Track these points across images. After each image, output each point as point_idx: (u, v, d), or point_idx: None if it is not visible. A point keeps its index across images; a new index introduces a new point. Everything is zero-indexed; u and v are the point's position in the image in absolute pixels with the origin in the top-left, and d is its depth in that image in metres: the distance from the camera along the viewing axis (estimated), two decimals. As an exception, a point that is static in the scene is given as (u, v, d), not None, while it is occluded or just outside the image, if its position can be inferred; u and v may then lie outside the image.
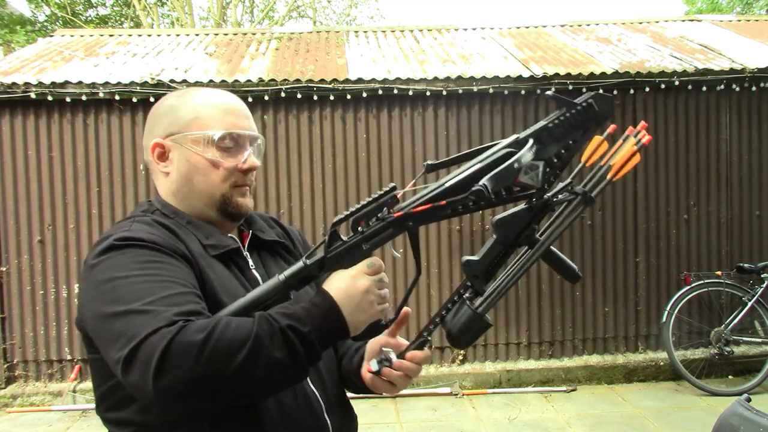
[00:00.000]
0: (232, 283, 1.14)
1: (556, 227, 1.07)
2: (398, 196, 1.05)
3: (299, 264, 1.07)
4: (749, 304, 4.78)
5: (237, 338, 0.91)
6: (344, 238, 1.06)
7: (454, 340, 1.05)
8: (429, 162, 1.12)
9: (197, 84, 4.87)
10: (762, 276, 4.83)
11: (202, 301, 1.02)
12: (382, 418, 4.43)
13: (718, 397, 4.63)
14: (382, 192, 1.05)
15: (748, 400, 1.45)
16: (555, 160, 1.03)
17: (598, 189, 1.06)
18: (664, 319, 4.80)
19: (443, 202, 1.03)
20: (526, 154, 1.00)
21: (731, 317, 4.85)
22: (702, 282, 4.90)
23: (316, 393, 1.17)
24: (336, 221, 1.05)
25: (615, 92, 5.14)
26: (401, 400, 4.68)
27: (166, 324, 0.90)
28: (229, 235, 1.23)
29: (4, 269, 4.94)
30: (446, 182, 1.03)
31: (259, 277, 1.21)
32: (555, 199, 1.06)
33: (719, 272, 5.03)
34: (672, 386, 4.95)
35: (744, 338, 4.95)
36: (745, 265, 4.87)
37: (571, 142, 1.03)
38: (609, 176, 1.06)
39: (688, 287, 4.86)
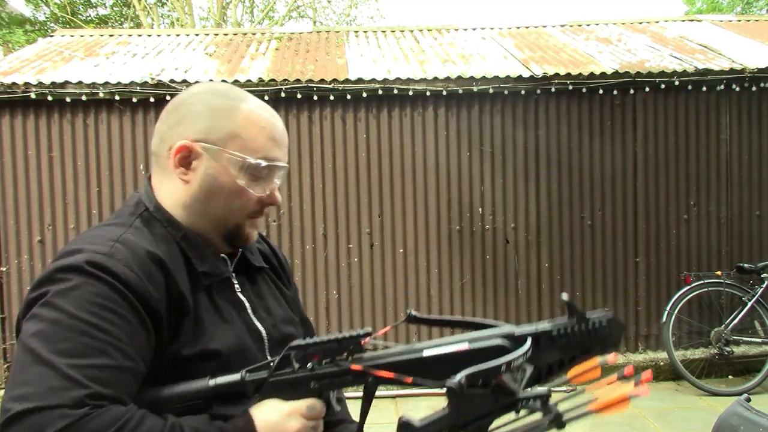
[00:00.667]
0: (209, 315, 1.02)
1: None
2: (364, 342, 0.93)
3: (235, 376, 0.94)
4: (749, 304, 4.78)
5: None
6: (295, 365, 0.93)
7: None
8: (413, 312, 1.03)
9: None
10: (762, 276, 4.83)
11: (137, 380, 0.90)
12: (382, 418, 4.41)
13: (718, 397, 4.62)
14: (352, 334, 0.92)
15: (748, 400, 1.45)
16: (545, 371, 0.94)
17: (574, 416, 0.92)
18: (664, 319, 4.80)
19: (409, 379, 0.91)
20: (519, 358, 0.90)
21: (731, 317, 4.85)
22: (702, 282, 4.90)
23: None
24: (293, 345, 0.92)
25: (615, 92, 5.15)
26: (401, 401, 4.68)
27: (71, 404, 0.79)
28: (222, 255, 1.11)
29: (4, 269, 4.94)
30: (422, 350, 0.93)
31: (245, 301, 1.10)
32: (525, 404, 0.93)
33: (719, 272, 5.02)
34: (672, 386, 4.95)
35: (744, 338, 4.95)
36: (745, 265, 4.87)
37: (569, 358, 0.94)
38: (591, 408, 0.92)
39: (688, 287, 4.86)
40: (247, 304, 1.10)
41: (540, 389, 0.94)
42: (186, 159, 1.04)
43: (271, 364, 0.93)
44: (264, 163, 1.05)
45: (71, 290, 0.88)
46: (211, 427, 0.89)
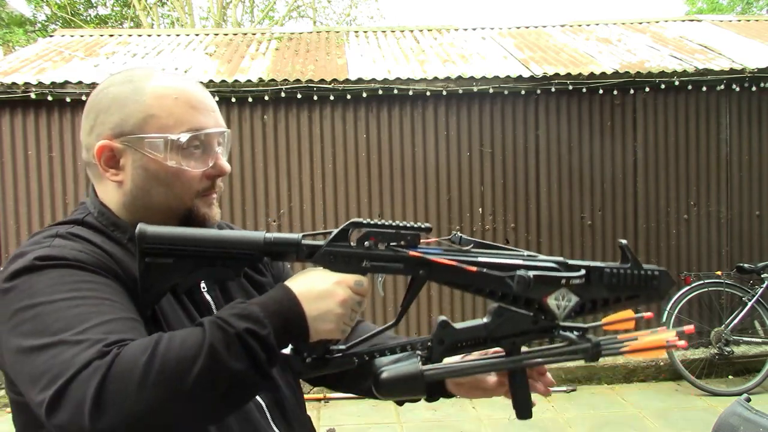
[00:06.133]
0: (176, 315, 0.98)
1: (544, 355, 0.97)
2: (421, 241, 0.93)
3: (293, 236, 0.92)
4: (749, 304, 4.77)
5: (186, 352, 0.77)
6: (352, 243, 0.93)
7: (380, 383, 0.93)
8: (459, 234, 0.99)
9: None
10: (762, 276, 4.82)
11: (142, 327, 0.86)
12: (382, 418, 4.42)
13: (718, 397, 4.62)
14: (414, 225, 0.93)
15: (748, 400, 1.45)
16: (590, 306, 0.95)
17: (606, 352, 0.95)
18: (664, 319, 4.79)
19: (473, 268, 0.91)
20: (574, 278, 0.92)
21: (731, 317, 4.84)
22: (702, 282, 4.89)
23: (260, 401, 1.04)
24: (355, 221, 0.91)
25: (615, 92, 5.14)
26: (401, 400, 4.68)
27: (98, 356, 0.75)
28: None
29: (4, 269, 4.94)
30: (477, 256, 0.93)
31: (210, 301, 1.05)
32: (562, 332, 0.96)
33: (719, 272, 5.02)
34: (672, 386, 4.95)
35: (744, 338, 4.94)
36: (745, 265, 4.86)
37: (614, 298, 0.96)
38: (624, 350, 0.96)
39: (688, 287, 4.85)
40: (213, 304, 1.05)
41: (580, 324, 0.97)
42: (111, 159, 0.98)
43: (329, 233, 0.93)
44: (187, 136, 0.97)
45: (34, 284, 0.84)
46: (250, 307, 0.84)
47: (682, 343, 0.93)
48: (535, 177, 5.20)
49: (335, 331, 0.89)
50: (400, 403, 1.20)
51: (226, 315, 0.82)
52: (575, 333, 0.96)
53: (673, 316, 4.77)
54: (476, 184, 5.16)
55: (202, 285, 1.05)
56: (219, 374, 0.78)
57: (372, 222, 0.92)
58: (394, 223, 0.92)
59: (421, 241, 0.93)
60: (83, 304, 0.82)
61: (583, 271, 0.93)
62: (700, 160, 5.29)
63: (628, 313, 0.99)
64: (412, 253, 0.91)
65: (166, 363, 0.75)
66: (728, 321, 4.84)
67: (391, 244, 0.92)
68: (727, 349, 4.82)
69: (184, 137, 0.96)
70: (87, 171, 1.05)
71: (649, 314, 1.01)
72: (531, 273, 0.89)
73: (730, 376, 5.07)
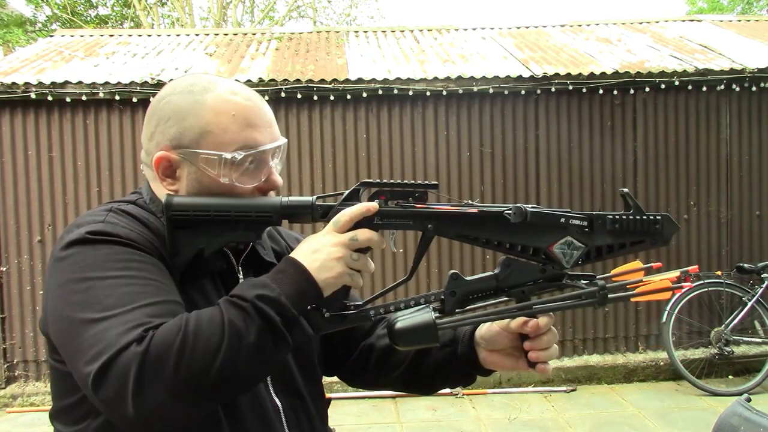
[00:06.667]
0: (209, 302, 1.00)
1: (553, 303, 0.99)
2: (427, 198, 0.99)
3: (307, 198, 0.98)
4: (749, 304, 4.77)
5: (213, 331, 0.82)
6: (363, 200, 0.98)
7: (394, 333, 0.96)
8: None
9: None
10: (762, 276, 4.82)
11: (183, 310, 0.90)
12: (382, 418, 4.42)
13: (718, 397, 4.62)
14: (420, 182, 0.98)
15: (748, 400, 1.45)
16: (595, 253, 0.99)
17: (613, 296, 0.98)
18: (664, 319, 4.80)
19: (475, 210, 0.97)
20: (574, 220, 0.96)
21: (731, 317, 4.84)
22: (702, 282, 4.89)
23: (278, 403, 1.06)
24: (366, 181, 0.98)
25: (615, 92, 5.14)
26: (401, 400, 4.68)
27: (137, 339, 0.81)
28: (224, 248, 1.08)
29: (4, 269, 4.94)
30: (480, 209, 0.99)
31: None
32: (570, 281, 1.00)
33: (719, 272, 5.02)
34: (672, 386, 4.95)
35: (744, 338, 4.94)
36: (745, 265, 4.86)
37: (620, 244, 1.00)
38: (632, 292, 0.99)
39: (688, 287, 4.86)
40: None
41: (588, 273, 1.02)
42: (168, 169, 1.02)
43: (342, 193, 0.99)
44: (242, 154, 0.99)
45: (87, 258, 0.90)
46: (258, 278, 0.90)
47: (689, 284, 0.93)
48: (535, 177, 5.20)
49: (342, 275, 0.93)
50: (434, 389, 1.25)
51: (238, 291, 0.88)
52: (583, 282, 1.00)
53: (673, 316, 4.77)
54: (476, 184, 5.16)
55: (241, 279, 1.08)
56: (242, 348, 0.83)
57: (381, 182, 0.98)
58: (403, 182, 0.98)
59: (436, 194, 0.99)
60: (132, 283, 0.88)
61: (582, 217, 0.98)
62: (700, 160, 5.29)
63: (637, 263, 1.03)
64: (418, 205, 0.97)
65: (196, 343, 0.81)
66: (728, 321, 4.84)
67: (400, 201, 0.97)
68: (727, 349, 4.82)
69: (238, 156, 0.99)
70: (143, 169, 1.10)
71: (658, 263, 1.04)
72: (527, 207, 0.94)
73: (730, 376, 5.07)
